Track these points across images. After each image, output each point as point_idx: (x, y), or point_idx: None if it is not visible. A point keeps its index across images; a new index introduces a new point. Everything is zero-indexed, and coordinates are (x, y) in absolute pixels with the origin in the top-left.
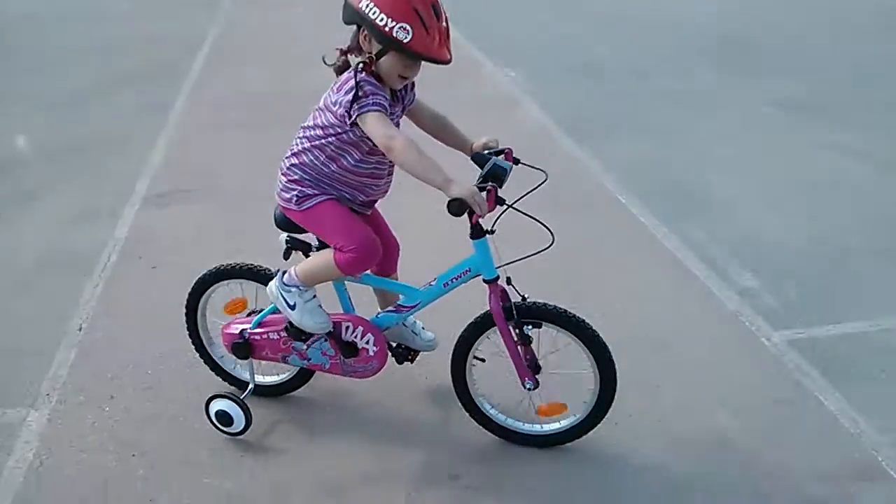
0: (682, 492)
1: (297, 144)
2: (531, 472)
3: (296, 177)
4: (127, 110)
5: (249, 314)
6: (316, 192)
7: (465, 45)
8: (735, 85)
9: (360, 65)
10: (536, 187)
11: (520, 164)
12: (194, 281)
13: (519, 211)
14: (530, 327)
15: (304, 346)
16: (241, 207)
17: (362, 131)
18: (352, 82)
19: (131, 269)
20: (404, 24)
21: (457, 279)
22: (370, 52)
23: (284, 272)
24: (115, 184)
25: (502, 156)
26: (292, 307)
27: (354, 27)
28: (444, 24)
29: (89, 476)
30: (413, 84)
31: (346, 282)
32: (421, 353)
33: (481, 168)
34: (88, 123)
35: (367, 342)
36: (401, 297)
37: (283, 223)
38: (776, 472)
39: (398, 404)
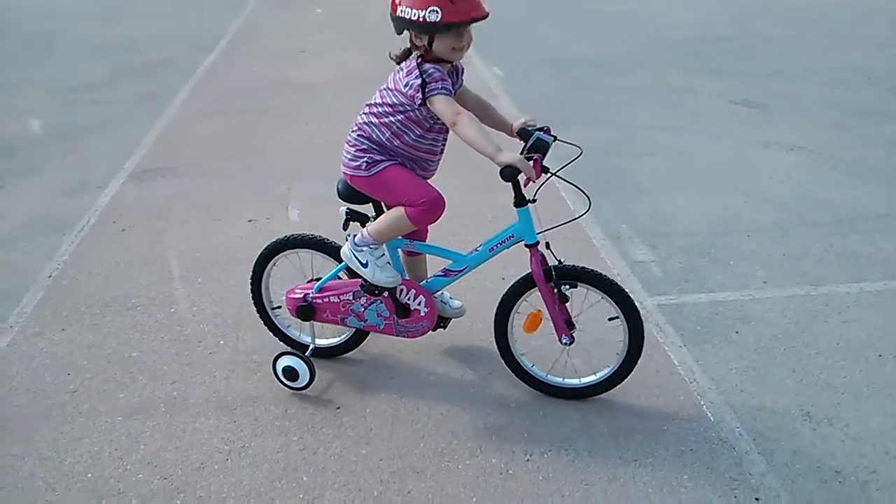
0: (522, 410)
1: (363, 118)
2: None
3: (364, 146)
4: (130, 99)
5: (310, 281)
6: (383, 157)
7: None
8: (698, 83)
9: (419, 57)
10: (573, 160)
11: (556, 140)
12: (259, 252)
13: (562, 178)
14: (567, 287)
15: (362, 308)
16: (216, 182)
17: (429, 111)
18: (417, 69)
19: (105, 230)
20: (432, 8)
21: (501, 244)
22: (423, 44)
23: (356, 234)
24: (108, 162)
25: (542, 131)
26: (365, 265)
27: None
28: None
29: (31, 388)
30: (462, 69)
31: (400, 248)
32: (451, 319)
33: (525, 142)
34: (93, 109)
35: (420, 303)
36: (449, 262)
37: (347, 193)
38: (604, 408)
39: (439, 362)
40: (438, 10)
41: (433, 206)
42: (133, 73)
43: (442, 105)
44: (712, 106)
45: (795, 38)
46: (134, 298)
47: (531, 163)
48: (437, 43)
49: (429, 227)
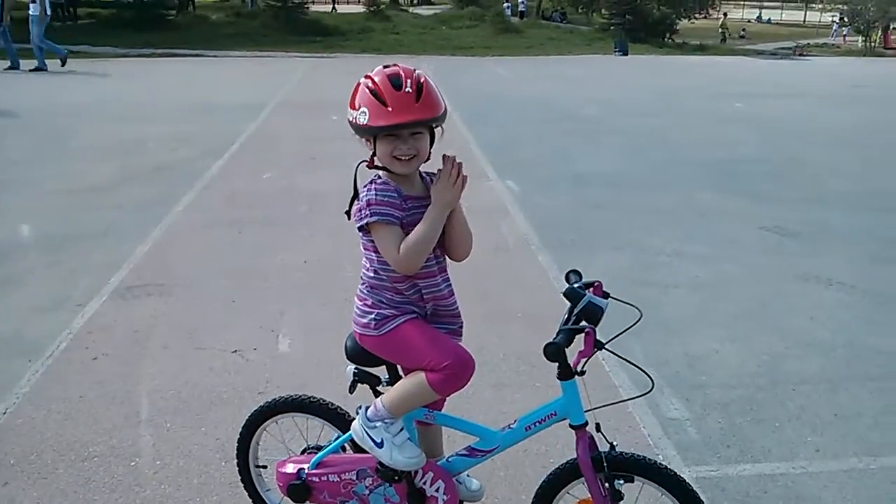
0: None
1: (364, 266)
2: None
3: (371, 300)
4: (131, 205)
5: (306, 451)
6: (396, 312)
7: (480, 161)
8: (726, 207)
9: (362, 163)
10: (631, 326)
11: (610, 299)
12: (249, 414)
13: (617, 355)
14: (622, 482)
15: (367, 491)
16: (204, 303)
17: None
18: (368, 186)
19: (75, 358)
20: (362, 109)
21: (540, 423)
22: (371, 152)
23: (367, 407)
24: (93, 275)
25: (590, 290)
26: (380, 445)
27: None
28: (408, 89)
29: None
30: None
31: (416, 419)
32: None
33: (573, 305)
34: (91, 215)
35: (438, 489)
36: (476, 439)
37: (356, 354)
38: None
39: None
40: (367, 111)
41: (460, 371)
42: (139, 177)
43: (381, 234)
44: (742, 232)
45: (829, 162)
46: (92, 446)
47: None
48: (378, 149)
49: None
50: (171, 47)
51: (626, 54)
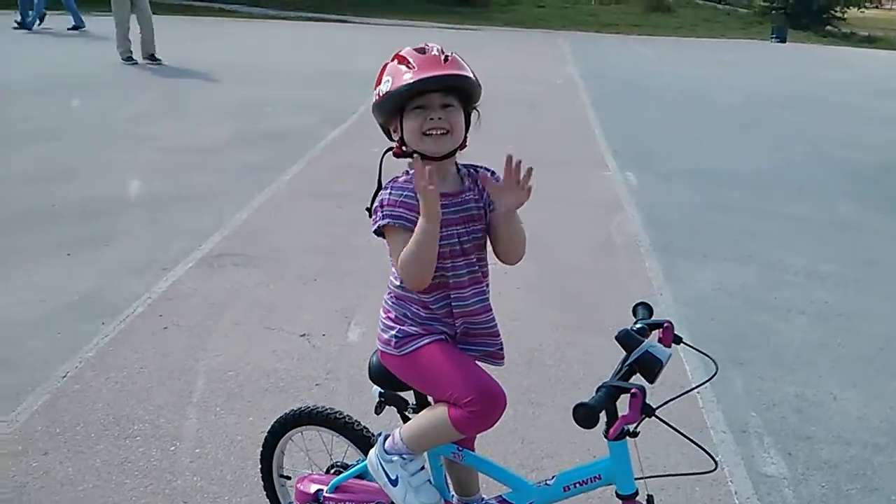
0: None
1: (391, 273)
2: None
3: (395, 313)
4: (239, 169)
5: (331, 470)
6: (420, 331)
7: (601, 148)
8: (874, 222)
9: (388, 152)
10: (706, 381)
11: (681, 345)
12: (273, 421)
13: (675, 430)
14: None
15: None
16: (286, 280)
17: None
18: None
19: (146, 325)
20: (385, 79)
21: (582, 484)
22: (398, 136)
23: (386, 437)
24: (186, 239)
25: (656, 333)
26: (394, 482)
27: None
28: (433, 52)
29: None
30: (497, 179)
31: (444, 455)
32: None
33: (627, 351)
34: (198, 177)
35: None
36: (509, 490)
37: (378, 374)
38: None
39: None
40: (390, 78)
41: (486, 408)
42: (252, 141)
43: (391, 239)
44: (886, 254)
45: None
46: (138, 423)
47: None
48: (405, 128)
49: None
50: (318, 11)
51: (784, 41)
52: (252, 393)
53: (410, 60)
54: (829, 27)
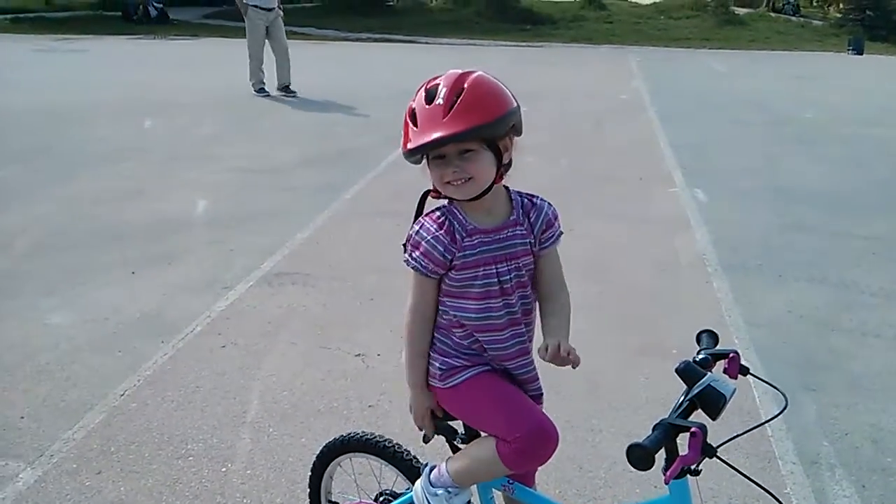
0: None
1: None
2: None
3: (437, 344)
4: (304, 188)
5: (380, 498)
6: (466, 363)
7: (669, 164)
8: None
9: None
10: (774, 417)
11: (748, 376)
12: (322, 446)
13: (739, 472)
14: None
15: None
16: (348, 302)
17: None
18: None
19: (205, 344)
20: (403, 131)
21: None
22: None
23: (432, 468)
24: (249, 258)
25: (720, 364)
26: None
27: None
28: (438, 101)
29: None
30: (553, 217)
31: (494, 489)
32: None
33: (688, 385)
34: (265, 196)
35: None
36: None
37: None
38: None
39: None
40: (403, 134)
41: (536, 444)
42: (318, 161)
43: (412, 281)
44: None
45: None
46: (191, 443)
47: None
48: (431, 176)
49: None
50: (388, 32)
51: (862, 53)
52: (305, 414)
53: (417, 114)
54: None
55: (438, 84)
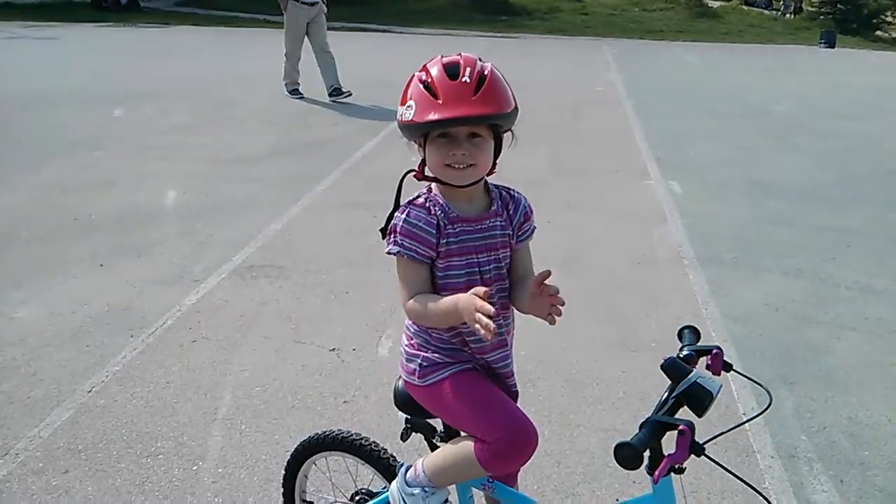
0: None
1: None
2: None
3: (417, 341)
4: (275, 179)
5: (355, 497)
6: (446, 359)
7: (644, 157)
8: None
9: (409, 173)
10: (759, 414)
11: (731, 372)
12: (296, 444)
13: (726, 469)
14: None
15: None
16: (317, 292)
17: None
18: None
19: (174, 338)
20: (409, 103)
21: None
22: (421, 157)
23: (408, 468)
24: (220, 250)
25: (703, 360)
26: None
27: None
28: (465, 79)
29: None
30: (529, 210)
31: (473, 488)
32: None
33: (673, 382)
34: (235, 187)
35: None
36: None
37: (403, 401)
38: None
39: None
40: (413, 104)
41: (516, 445)
42: (290, 151)
43: (400, 269)
44: None
45: None
46: (161, 441)
47: (676, 433)
48: (428, 155)
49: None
50: (362, 21)
51: (833, 47)
52: (278, 410)
53: (437, 88)
54: (878, 32)
55: (458, 62)
